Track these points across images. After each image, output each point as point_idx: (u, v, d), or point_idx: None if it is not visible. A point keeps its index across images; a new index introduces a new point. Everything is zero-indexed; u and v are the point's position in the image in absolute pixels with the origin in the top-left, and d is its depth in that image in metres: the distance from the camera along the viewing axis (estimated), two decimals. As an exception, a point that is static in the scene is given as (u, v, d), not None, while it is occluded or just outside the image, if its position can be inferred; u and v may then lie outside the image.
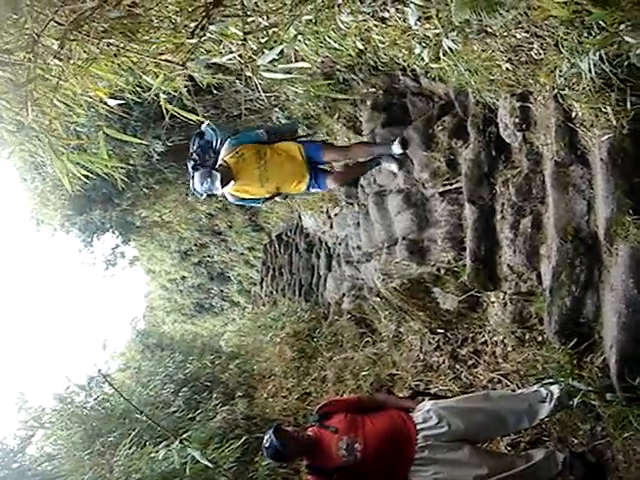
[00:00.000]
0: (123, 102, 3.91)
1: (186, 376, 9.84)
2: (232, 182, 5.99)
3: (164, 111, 3.39)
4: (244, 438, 6.86)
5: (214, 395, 9.07)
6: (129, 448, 5.91)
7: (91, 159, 3.26)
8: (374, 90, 6.68)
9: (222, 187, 5.89)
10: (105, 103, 3.60)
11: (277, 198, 6.81)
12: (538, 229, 4.69)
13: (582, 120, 3.82)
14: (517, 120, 4.59)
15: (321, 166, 6.53)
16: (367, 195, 7.44)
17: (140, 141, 7.06)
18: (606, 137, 3.62)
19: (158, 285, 16.78)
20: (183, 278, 15.68)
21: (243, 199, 6.46)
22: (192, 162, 6.14)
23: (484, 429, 4.27)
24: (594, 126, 3.71)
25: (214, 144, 6.19)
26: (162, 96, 3.28)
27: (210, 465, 4.75)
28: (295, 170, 6.28)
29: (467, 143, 5.38)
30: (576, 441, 4.37)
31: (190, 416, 8.34)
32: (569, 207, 4.15)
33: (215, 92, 7.06)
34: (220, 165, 5.99)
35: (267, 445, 4.21)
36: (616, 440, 3.97)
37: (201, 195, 6.22)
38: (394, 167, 6.44)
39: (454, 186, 5.63)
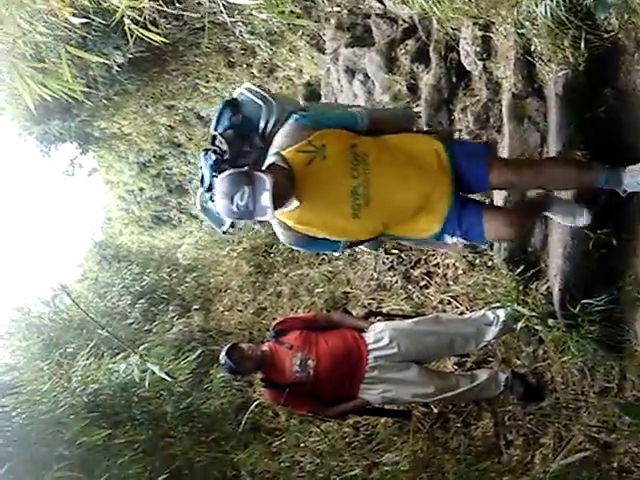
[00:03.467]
0: (86, 20, 3.82)
1: (143, 288, 9.91)
2: (294, 203, 2.99)
3: (127, 31, 3.31)
4: (200, 350, 6.99)
5: (171, 307, 9.21)
6: (87, 359, 5.99)
7: (54, 81, 3.22)
8: (339, 9, 6.58)
9: (275, 208, 2.85)
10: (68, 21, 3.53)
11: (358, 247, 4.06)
12: (493, 158, 4.79)
13: (541, 54, 3.87)
14: (478, 49, 4.61)
15: (472, 195, 3.56)
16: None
17: (100, 59, 6.60)
18: (562, 72, 3.68)
19: (116, 196, 16.54)
20: (141, 190, 15.46)
21: (310, 240, 3.30)
22: (213, 156, 3.23)
23: (433, 351, 4.46)
24: (552, 61, 3.77)
25: (262, 125, 3.26)
26: (126, 20, 3.22)
27: (168, 379, 4.89)
28: (428, 189, 3.20)
29: (428, 68, 5.39)
30: (519, 362, 4.58)
31: (147, 328, 8.46)
32: (523, 138, 4.22)
33: (177, 4, 6.85)
34: (272, 164, 3.06)
35: (222, 362, 4.38)
36: (555, 363, 4.17)
37: (222, 225, 3.38)
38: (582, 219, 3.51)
39: (414, 110, 5.66)
